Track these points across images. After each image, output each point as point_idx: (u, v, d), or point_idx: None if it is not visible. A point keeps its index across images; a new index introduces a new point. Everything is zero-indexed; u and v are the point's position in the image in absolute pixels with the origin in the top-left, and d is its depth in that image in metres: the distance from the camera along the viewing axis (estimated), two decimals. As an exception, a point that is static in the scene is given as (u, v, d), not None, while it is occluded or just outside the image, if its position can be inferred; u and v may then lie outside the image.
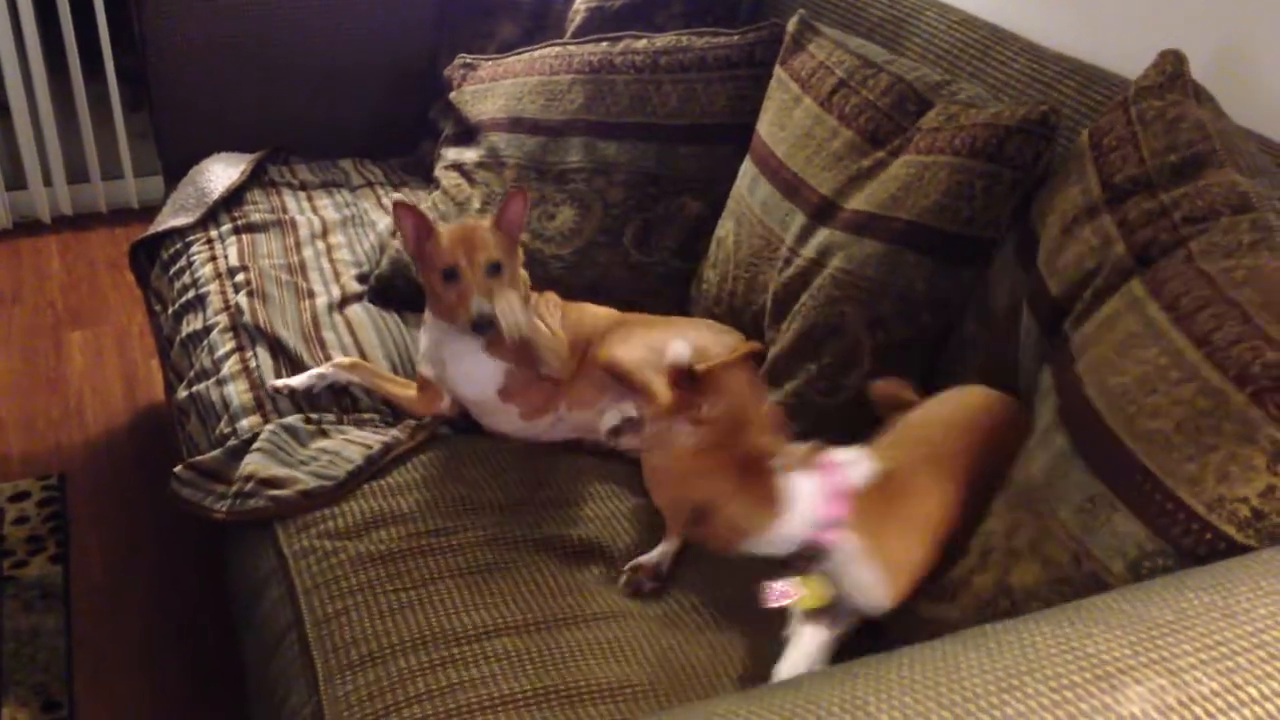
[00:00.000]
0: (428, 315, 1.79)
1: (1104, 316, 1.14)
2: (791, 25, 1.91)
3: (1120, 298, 1.14)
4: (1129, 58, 1.64)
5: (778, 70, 1.91)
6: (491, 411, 1.76)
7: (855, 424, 1.55)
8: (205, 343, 2.01)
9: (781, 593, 1.25)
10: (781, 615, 1.41)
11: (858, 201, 1.61)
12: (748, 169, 1.90)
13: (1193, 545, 0.94)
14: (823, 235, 1.64)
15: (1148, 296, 1.10)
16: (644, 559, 1.50)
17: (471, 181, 2.23)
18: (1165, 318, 1.05)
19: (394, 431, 1.72)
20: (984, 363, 1.46)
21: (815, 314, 1.60)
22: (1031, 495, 1.07)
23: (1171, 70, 1.28)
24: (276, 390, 1.81)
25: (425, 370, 1.80)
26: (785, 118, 1.83)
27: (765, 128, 1.88)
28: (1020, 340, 1.35)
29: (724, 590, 1.47)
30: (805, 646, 1.31)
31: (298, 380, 1.82)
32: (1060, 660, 0.72)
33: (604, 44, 2.18)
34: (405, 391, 1.82)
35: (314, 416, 1.77)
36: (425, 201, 2.29)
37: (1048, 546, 1.03)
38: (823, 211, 1.67)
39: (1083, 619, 0.77)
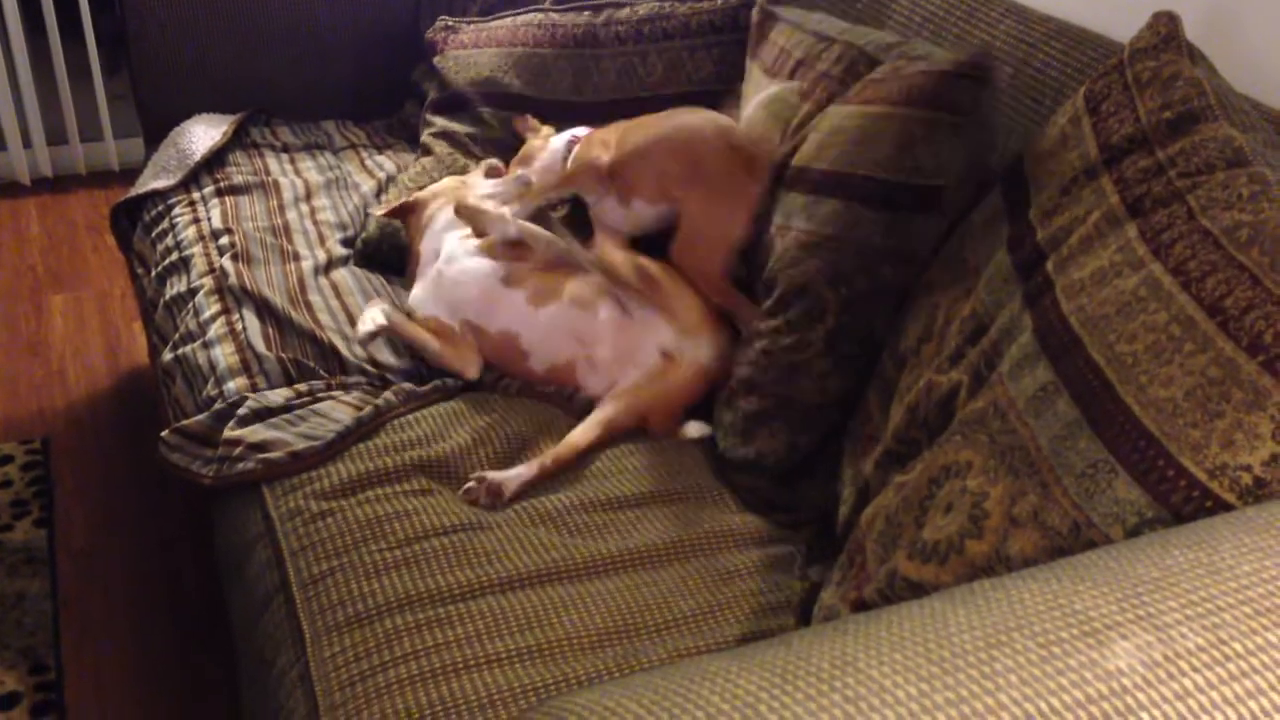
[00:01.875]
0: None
1: (1097, 267, 1.14)
2: (755, 15, 1.91)
3: (1116, 251, 1.13)
4: (1116, 20, 1.64)
5: (749, 64, 1.93)
6: (493, 302, 1.80)
7: (825, 377, 1.57)
8: (190, 305, 2.00)
9: None
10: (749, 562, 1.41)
11: (808, 157, 1.62)
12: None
13: (1192, 513, 0.94)
14: (787, 200, 1.66)
15: (1150, 256, 1.10)
16: (492, 474, 1.53)
17: (467, 152, 2.24)
18: (1173, 282, 1.05)
19: (386, 394, 1.71)
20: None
21: (783, 276, 1.61)
22: (1038, 464, 1.07)
23: (1166, 31, 1.28)
24: (362, 340, 1.80)
25: (431, 310, 1.83)
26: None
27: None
28: (984, 274, 1.35)
29: (708, 539, 1.49)
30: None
31: (365, 329, 1.81)
32: (1048, 616, 0.72)
33: (586, 14, 2.17)
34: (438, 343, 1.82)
35: (303, 388, 1.76)
36: (414, 166, 2.28)
37: (1048, 515, 1.04)
38: (785, 178, 1.68)
39: (1070, 576, 0.77)
